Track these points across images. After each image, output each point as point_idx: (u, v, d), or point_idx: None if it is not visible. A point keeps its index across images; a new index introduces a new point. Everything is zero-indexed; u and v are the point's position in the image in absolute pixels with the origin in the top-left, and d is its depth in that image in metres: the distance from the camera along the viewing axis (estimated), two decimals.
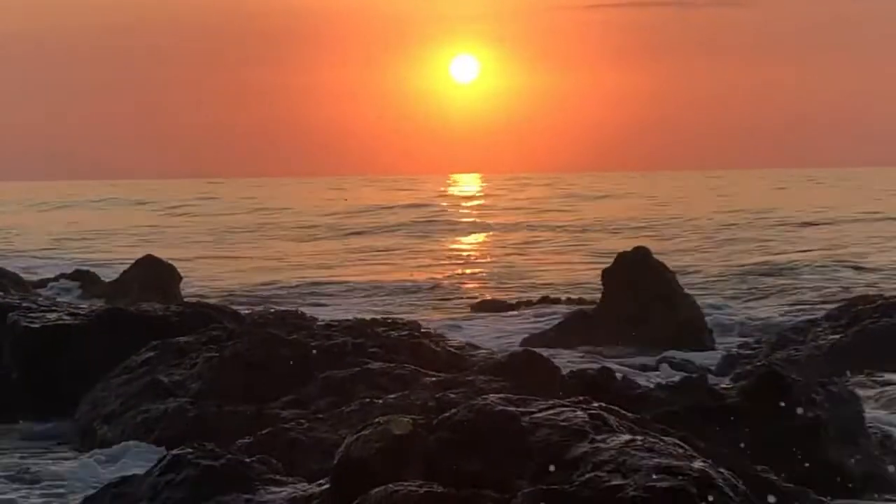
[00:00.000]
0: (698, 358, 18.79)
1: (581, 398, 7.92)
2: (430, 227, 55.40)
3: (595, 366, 12.16)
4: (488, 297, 28.10)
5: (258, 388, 11.51)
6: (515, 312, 24.94)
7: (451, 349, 12.67)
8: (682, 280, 22.64)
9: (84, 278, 26.01)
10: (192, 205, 77.83)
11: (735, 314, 24.22)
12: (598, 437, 7.12)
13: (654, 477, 6.58)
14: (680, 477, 6.60)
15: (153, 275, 24.44)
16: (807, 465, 9.10)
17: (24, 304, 14.77)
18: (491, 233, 53.02)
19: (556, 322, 21.64)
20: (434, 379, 11.02)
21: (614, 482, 6.64)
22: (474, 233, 53.59)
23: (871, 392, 13.92)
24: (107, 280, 25.89)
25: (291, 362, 11.73)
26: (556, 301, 25.45)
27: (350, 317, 14.47)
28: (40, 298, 17.17)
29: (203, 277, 32.29)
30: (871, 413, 11.35)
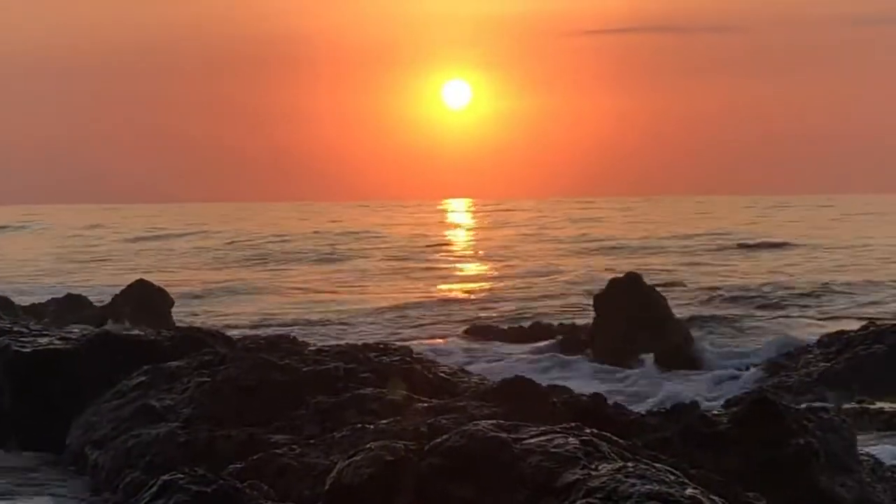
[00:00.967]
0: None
1: (573, 424, 7.92)
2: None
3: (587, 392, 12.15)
4: (478, 321, 28.13)
5: (250, 413, 11.49)
6: (509, 338, 24.97)
7: (443, 374, 12.66)
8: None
9: (75, 303, 25.98)
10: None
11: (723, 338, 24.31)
12: (590, 464, 7.12)
13: None
14: (671, 503, 6.59)
15: (145, 299, 24.44)
16: (798, 491, 9.10)
17: (16, 329, 14.75)
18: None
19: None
20: (426, 404, 11.00)
21: None
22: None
23: (862, 419, 13.93)
24: (98, 304, 25.88)
25: (283, 387, 11.71)
26: (549, 326, 25.46)
27: (343, 342, 14.47)
28: (31, 323, 17.14)
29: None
30: (863, 439, 11.35)
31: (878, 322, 19.58)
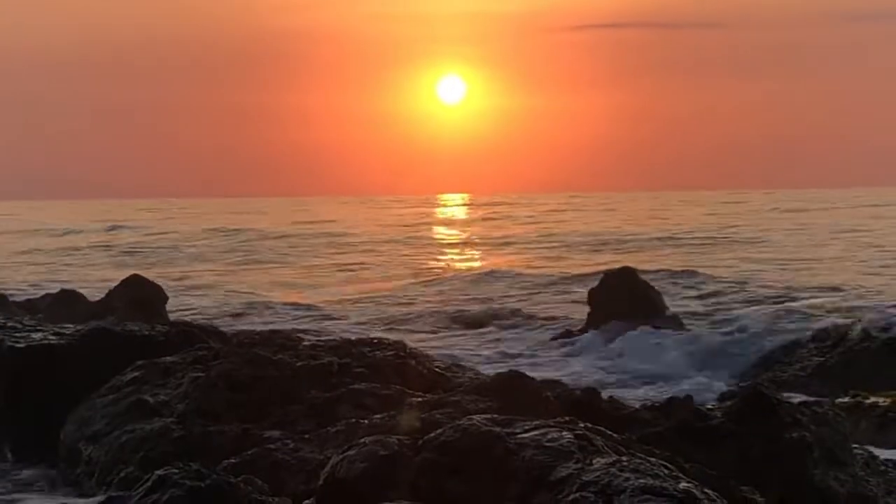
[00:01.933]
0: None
1: (567, 419, 7.93)
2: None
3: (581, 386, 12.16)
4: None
5: (244, 409, 11.49)
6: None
7: (437, 369, 12.67)
8: None
9: (69, 298, 25.93)
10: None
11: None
12: (585, 458, 7.13)
13: (640, 498, 6.59)
14: (665, 498, 6.60)
15: (139, 294, 24.40)
16: (792, 485, 9.11)
17: (9, 324, 14.74)
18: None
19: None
20: (420, 399, 11.01)
21: (600, 503, 6.65)
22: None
23: (856, 413, 13.94)
24: (92, 299, 25.84)
25: (277, 382, 11.72)
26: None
27: (336, 336, 14.48)
28: (25, 318, 17.13)
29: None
30: (857, 434, 11.37)
31: (869, 318, 19.57)
